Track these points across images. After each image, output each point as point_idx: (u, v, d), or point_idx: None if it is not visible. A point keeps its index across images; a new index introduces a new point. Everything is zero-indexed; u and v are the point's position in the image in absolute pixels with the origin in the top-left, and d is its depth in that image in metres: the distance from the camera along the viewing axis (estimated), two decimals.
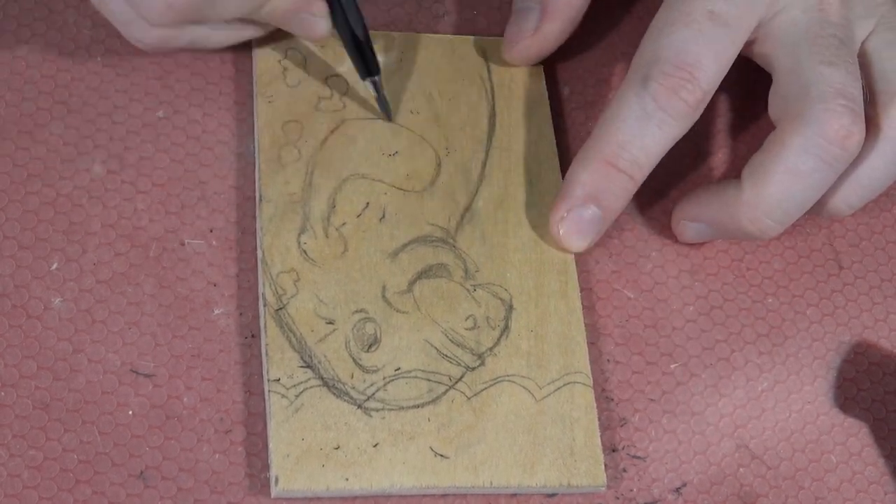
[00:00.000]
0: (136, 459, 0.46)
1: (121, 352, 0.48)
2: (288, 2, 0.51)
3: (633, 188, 0.51)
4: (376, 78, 0.53)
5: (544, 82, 0.56)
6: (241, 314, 0.49)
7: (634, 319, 0.53)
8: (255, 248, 0.50)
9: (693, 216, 0.53)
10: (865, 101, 0.51)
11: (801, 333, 0.54)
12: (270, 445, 0.46)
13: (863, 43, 0.52)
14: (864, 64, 0.52)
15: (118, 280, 0.49)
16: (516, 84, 0.56)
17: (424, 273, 0.51)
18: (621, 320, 0.52)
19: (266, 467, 0.47)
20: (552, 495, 0.48)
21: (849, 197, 0.52)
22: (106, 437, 0.46)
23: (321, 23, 0.52)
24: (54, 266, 0.49)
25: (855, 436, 0.52)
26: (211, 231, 0.51)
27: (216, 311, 0.49)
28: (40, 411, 0.46)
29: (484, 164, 0.53)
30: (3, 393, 0.46)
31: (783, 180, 0.49)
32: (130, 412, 0.47)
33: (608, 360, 0.52)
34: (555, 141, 0.55)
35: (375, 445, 0.47)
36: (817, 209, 0.52)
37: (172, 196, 0.51)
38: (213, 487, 0.46)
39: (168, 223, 0.51)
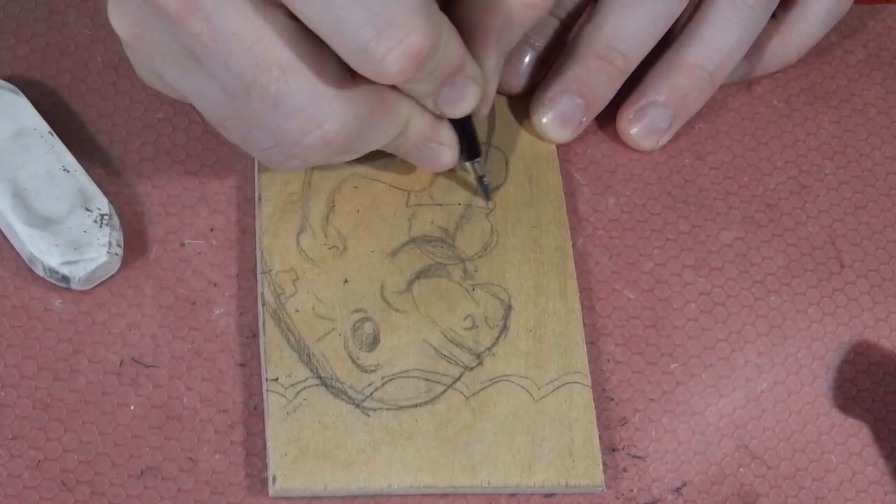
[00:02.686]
0: (135, 460, 0.46)
1: (121, 352, 0.48)
2: (420, 132, 0.48)
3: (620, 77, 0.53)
4: (479, 159, 0.51)
5: None
6: (241, 314, 0.49)
7: (634, 319, 0.53)
8: (255, 248, 0.50)
9: (549, 94, 0.53)
10: None
11: (801, 333, 0.54)
12: (268, 445, 0.46)
13: None
14: None
15: (118, 281, 0.49)
16: None
17: (423, 273, 0.51)
18: (621, 320, 0.52)
19: (266, 467, 0.47)
20: (551, 495, 0.49)
21: (700, 60, 0.53)
22: (106, 438, 0.47)
23: (448, 153, 0.50)
24: None
25: (855, 436, 0.52)
26: (211, 231, 0.51)
27: (216, 312, 0.49)
28: (40, 411, 0.47)
29: (483, 164, 0.53)
30: (3, 393, 0.47)
31: (618, 10, 0.52)
32: (130, 412, 0.47)
33: (608, 360, 0.52)
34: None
35: (373, 445, 0.47)
36: (675, 80, 0.54)
37: (172, 197, 0.51)
38: (214, 487, 0.46)
39: (168, 224, 0.51)
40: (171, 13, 0.41)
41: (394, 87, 0.45)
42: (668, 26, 0.53)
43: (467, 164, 0.51)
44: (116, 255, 0.48)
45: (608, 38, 0.52)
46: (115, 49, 0.53)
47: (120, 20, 0.43)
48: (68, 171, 0.49)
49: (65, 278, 0.47)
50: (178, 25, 0.41)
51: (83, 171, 0.49)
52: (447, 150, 0.49)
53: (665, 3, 0.52)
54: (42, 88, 0.52)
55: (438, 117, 0.48)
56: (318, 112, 0.43)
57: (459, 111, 0.47)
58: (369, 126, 0.45)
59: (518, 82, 0.54)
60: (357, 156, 0.48)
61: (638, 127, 0.55)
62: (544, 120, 0.53)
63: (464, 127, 0.50)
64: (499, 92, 0.55)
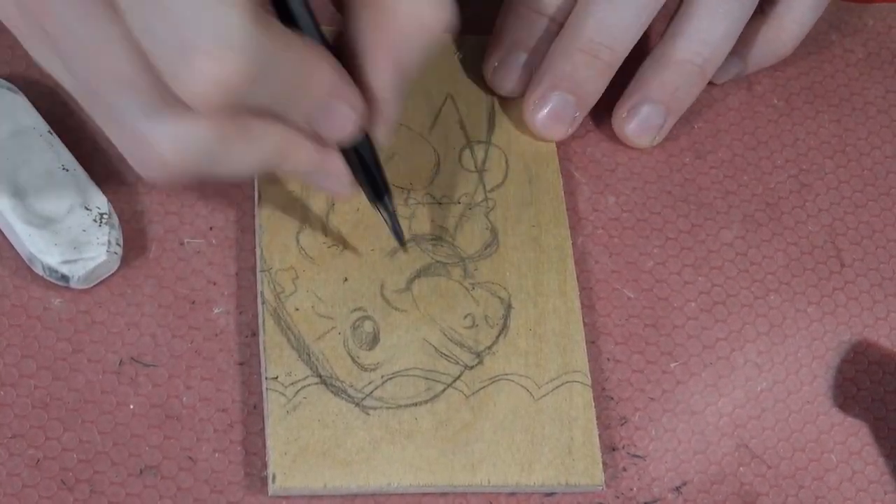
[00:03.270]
0: (135, 458, 0.46)
1: (120, 351, 0.48)
2: (304, 160, 0.43)
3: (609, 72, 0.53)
4: (386, 200, 0.47)
5: None
6: (240, 313, 0.49)
7: (634, 318, 0.52)
8: (255, 247, 0.50)
9: (539, 93, 0.53)
10: None
11: (801, 332, 0.54)
12: (268, 443, 0.46)
13: None
14: None
15: (117, 280, 0.49)
16: None
17: (423, 271, 0.51)
18: (621, 319, 0.52)
19: (265, 466, 0.47)
20: (551, 494, 0.48)
21: (688, 54, 0.53)
22: (105, 436, 0.46)
23: (341, 183, 0.46)
24: None
25: (855, 435, 0.52)
26: (210, 230, 0.51)
27: (216, 311, 0.49)
28: (40, 410, 0.47)
29: (483, 163, 0.53)
30: (2, 392, 0.47)
31: (601, 4, 0.52)
32: (130, 411, 0.47)
33: (608, 359, 0.52)
34: (554, 141, 0.55)
35: (373, 444, 0.47)
36: (665, 75, 0.53)
37: (171, 195, 0.51)
38: (213, 486, 0.46)
39: (167, 223, 0.51)
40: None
41: (258, 111, 0.41)
42: (653, 16, 0.53)
43: (372, 205, 0.48)
44: (116, 253, 0.48)
45: (592, 32, 0.52)
46: None
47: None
48: (68, 170, 0.49)
49: (64, 277, 0.47)
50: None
51: (83, 170, 0.49)
52: (336, 179, 0.45)
53: None
54: (42, 88, 0.52)
55: (324, 145, 0.44)
56: (153, 133, 0.40)
57: (339, 138, 0.43)
58: (220, 151, 0.41)
59: (513, 85, 0.54)
60: (225, 179, 0.46)
61: (632, 124, 0.55)
62: (537, 119, 0.53)
63: (361, 160, 0.45)
64: (497, 95, 0.55)
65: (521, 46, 0.54)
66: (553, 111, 0.53)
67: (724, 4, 0.53)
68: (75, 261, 0.47)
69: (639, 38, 0.53)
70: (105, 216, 0.48)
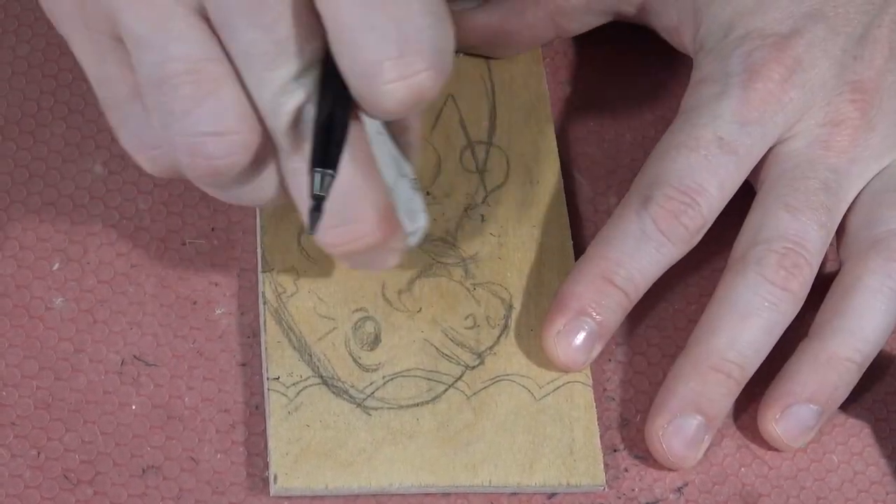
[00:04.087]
0: (137, 459, 0.46)
1: (122, 351, 0.48)
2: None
3: (628, 305, 0.50)
4: (332, 172, 0.40)
5: (545, 82, 0.56)
6: (242, 314, 0.49)
7: (635, 319, 0.52)
8: (256, 248, 0.50)
9: (665, 415, 0.49)
10: (841, 246, 0.52)
11: (801, 333, 0.54)
12: (269, 444, 0.46)
13: (867, 183, 0.52)
14: (858, 205, 0.52)
15: (120, 280, 0.49)
16: (517, 83, 0.56)
17: (424, 272, 0.51)
18: (622, 321, 0.52)
19: (268, 467, 0.47)
20: (553, 495, 0.48)
21: (848, 352, 0.50)
22: (107, 437, 0.46)
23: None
24: (56, 266, 0.49)
25: (856, 436, 0.52)
26: (212, 231, 0.51)
27: (218, 311, 0.49)
28: (42, 411, 0.46)
29: (484, 163, 0.53)
30: (4, 393, 0.46)
31: (731, 320, 0.49)
32: (132, 412, 0.47)
33: (610, 360, 0.52)
34: (555, 140, 0.55)
35: (375, 444, 0.47)
36: (823, 375, 0.50)
37: (174, 196, 0.51)
38: (215, 487, 0.46)
39: (170, 223, 0.51)
40: None
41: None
42: (781, 333, 0.50)
43: (316, 174, 0.40)
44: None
45: (723, 351, 0.49)
46: None
47: None
48: (381, 135, 0.45)
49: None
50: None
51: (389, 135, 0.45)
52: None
53: (779, 312, 0.49)
54: (43, 87, 0.52)
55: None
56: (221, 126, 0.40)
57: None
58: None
59: (577, 357, 0.49)
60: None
61: (785, 427, 0.50)
62: (664, 443, 0.49)
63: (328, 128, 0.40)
64: (558, 368, 0.50)
65: (586, 315, 0.49)
66: (686, 437, 0.49)
67: (885, 300, 0.50)
68: (415, 231, 0.45)
69: (766, 354, 0.50)
70: (416, 181, 0.45)
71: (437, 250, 0.51)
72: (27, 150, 0.51)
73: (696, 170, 0.49)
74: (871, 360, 0.51)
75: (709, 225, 0.50)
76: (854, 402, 0.53)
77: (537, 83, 0.56)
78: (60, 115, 0.52)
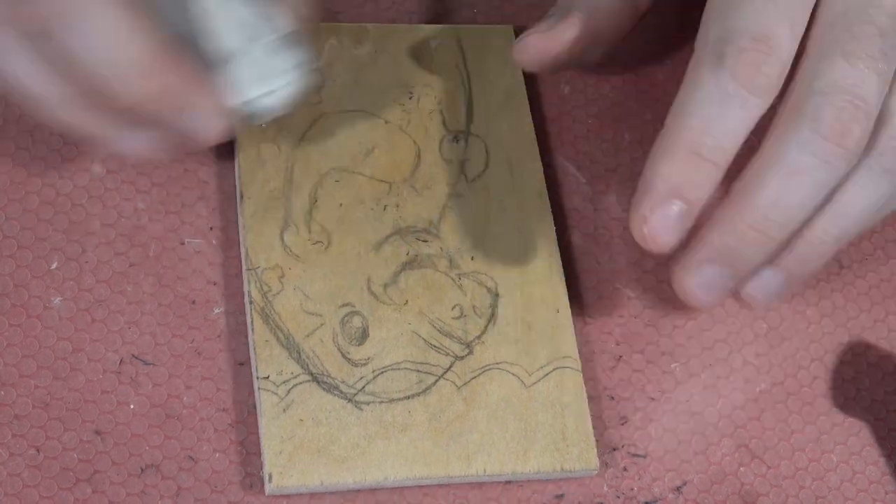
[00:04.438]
0: (135, 458, 0.46)
1: (120, 351, 0.48)
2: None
3: (718, 176, 0.46)
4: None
5: (521, 69, 0.56)
6: (240, 313, 0.49)
7: (635, 318, 0.53)
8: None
9: (695, 262, 0.47)
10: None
11: (800, 334, 0.54)
12: (262, 443, 0.46)
13: None
14: None
15: (118, 279, 0.49)
16: (493, 72, 0.56)
17: (409, 264, 0.51)
18: (622, 319, 0.52)
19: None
20: (561, 495, 0.48)
21: (826, 224, 0.47)
22: (106, 436, 0.46)
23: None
24: (54, 265, 0.49)
25: (855, 435, 0.52)
26: (211, 230, 0.51)
27: (216, 311, 0.49)
28: (40, 410, 0.46)
29: (463, 153, 0.53)
30: (2, 392, 0.46)
31: (778, 178, 0.46)
32: (130, 411, 0.47)
33: (609, 359, 0.52)
34: (533, 127, 0.55)
35: (368, 439, 0.47)
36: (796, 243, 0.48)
37: (172, 195, 0.51)
38: (213, 486, 0.46)
39: (168, 222, 0.50)
40: None
41: None
42: (828, 193, 0.47)
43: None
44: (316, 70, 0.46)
45: (768, 208, 0.46)
46: None
47: None
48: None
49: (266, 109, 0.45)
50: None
51: None
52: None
53: (830, 170, 0.46)
54: None
55: None
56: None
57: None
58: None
59: (666, 239, 0.46)
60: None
61: (749, 287, 0.48)
62: (686, 287, 0.47)
63: None
64: (649, 254, 0.48)
65: (678, 197, 0.46)
66: (706, 283, 0.47)
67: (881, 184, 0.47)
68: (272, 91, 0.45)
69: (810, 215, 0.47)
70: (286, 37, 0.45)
71: (420, 242, 0.51)
72: (26, 149, 0.51)
73: (764, 14, 0.46)
74: (852, 237, 0.48)
75: (787, 71, 0.46)
76: (853, 402, 0.53)
77: (513, 71, 0.56)
78: None
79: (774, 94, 0.46)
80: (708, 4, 0.47)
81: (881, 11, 0.47)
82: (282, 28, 0.45)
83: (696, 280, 0.47)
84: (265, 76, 0.45)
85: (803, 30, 0.47)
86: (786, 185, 0.46)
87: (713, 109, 0.46)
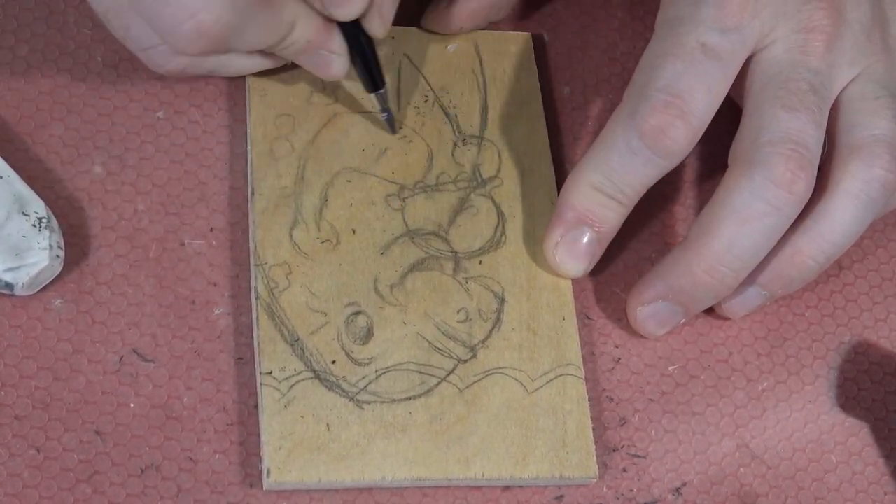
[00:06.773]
0: (136, 459, 0.46)
1: (121, 352, 0.48)
2: (307, 36, 0.49)
3: (624, 211, 0.50)
4: (382, 91, 0.52)
5: (537, 77, 0.56)
6: (241, 314, 0.49)
7: None
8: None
9: (649, 296, 0.51)
10: (824, 152, 0.50)
11: (800, 334, 0.54)
12: (262, 438, 0.46)
13: (842, 91, 0.51)
14: (836, 112, 0.51)
15: (118, 281, 0.49)
16: (509, 78, 0.56)
17: (416, 266, 0.51)
18: (621, 321, 0.52)
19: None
20: (560, 497, 0.49)
21: (813, 251, 0.50)
22: (106, 437, 0.46)
23: (338, 62, 0.51)
24: None
25: (855, 435, 0.52)
26: (211, 231, 0.51)
27: (216, 312, 0.49)
28: (40, 411, 0.46)
29: (476, 157, 0.53)
30: (3, 393, 0.46)
31: (732, 224, 0.48)
32: (130, 411, 0.47)
33: (608, 361, 0.52)
34: (547, 135, 0.55)
35: (367, 438, 0.47)
36: (782, 268, 0.50)
37: (172, 197, 0.51)
38: (213, 487, 0.46)
39: (168, 224, 0.51)
40: None
41: None
42: (779, 238, 0.49)
43: (371, 96, 0.52)
44: (58, 257, 0.48)
45: (720, 255, 0.48)
46: (115, 49, 0.53)
47: None
48: (1, 178, 0.48)
49: (8, 285, 0.47)
50: None
51: (17, 175, 0.49)
52: (337, 58, 0.50)
53: (782, 216, 0.48)
54: (42, 88, 0.52)
55: (329, 23, 0.49)
56: (193, 1, 0.46)
57: (345, 13, 0.49)
58: (248, 21, 0.47)
59: (576, 265, 0.51)
60: (241, 51, 0.50)
61: (732, 303, 0.52)
62: (639, 317, 0.51)
63: (363, 55, 0.51)
64: (560, 276, 0.52)
65: (587, 224, 0.50)
66: (660, 317, 0.51)
67: (859, 208, 0.50)
68: (18, 268, 0.47)
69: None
70: (44, 220, 0.48)
71: (429, 244, 0.51)
72: (25, 151, 0.51)
73: (683, 76, 0.48)
74: (833, 261, 0.50)
75: (699, 134, 0.49)
76: (854, 401, 0.53)
77: (529, 77, 0.56)
78: (59, 115, 0.52)
79: (682, 157, 0.49)
80: (640, 60, 0.50)
81: (807, 69, 0.50)
82: (39, 211, 0.48)
83: (648, 312, 0.51)
84: (19, 252, 0.47)
85: (720, 98, 0.49)
86: (738, 231, 0.48)
87: (618, 160, 0.49)
